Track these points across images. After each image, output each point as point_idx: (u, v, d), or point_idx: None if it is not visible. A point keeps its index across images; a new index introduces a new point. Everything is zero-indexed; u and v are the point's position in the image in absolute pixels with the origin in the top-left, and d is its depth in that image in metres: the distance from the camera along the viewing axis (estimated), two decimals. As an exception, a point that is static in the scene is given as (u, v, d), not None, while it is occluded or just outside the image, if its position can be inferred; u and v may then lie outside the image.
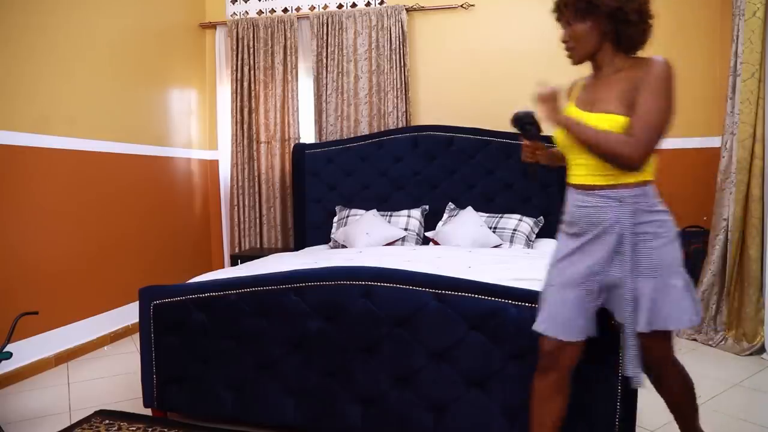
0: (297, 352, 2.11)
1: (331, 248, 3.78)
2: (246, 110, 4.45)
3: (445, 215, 3.83)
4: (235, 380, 2.20)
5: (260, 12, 4.55)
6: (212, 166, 4.75)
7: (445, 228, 3.63)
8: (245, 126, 4.47)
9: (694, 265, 3.45)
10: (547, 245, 3.54)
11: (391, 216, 3.85)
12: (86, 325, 3.36)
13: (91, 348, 3.36)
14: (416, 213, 3.85)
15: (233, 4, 4.61)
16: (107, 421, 2.33)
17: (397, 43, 4.19)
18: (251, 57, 4.43)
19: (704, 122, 3.93)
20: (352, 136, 4.31)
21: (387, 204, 4.03)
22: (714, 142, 3.80)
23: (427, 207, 3.94)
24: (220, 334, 2.20)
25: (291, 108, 4.40)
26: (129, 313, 3.69)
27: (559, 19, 1.66)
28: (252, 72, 4.44)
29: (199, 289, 2.24)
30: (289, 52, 4.37)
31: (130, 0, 3.74)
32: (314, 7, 4.45)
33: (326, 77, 4.34)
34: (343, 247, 3.69)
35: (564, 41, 1.65)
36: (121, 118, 3.66)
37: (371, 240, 3.57)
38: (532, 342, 1.83)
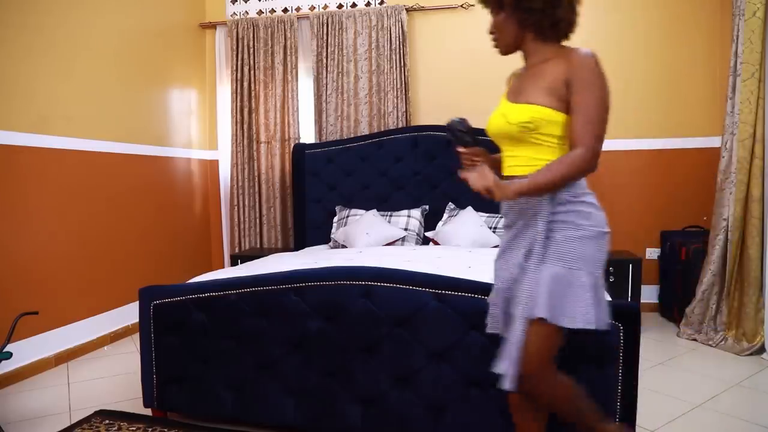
0: (297, 352, 2.11)
1: (331, 248, 3.78)
2: (246, 110, 4.45)
3: (445, 215, 3.83)
4: (235, 380, 2.20)
5: (260, 12, 4.55)
6: (212, 166, 4.75)
7: (445, 228, 3.63)
8: (245, 126, 4.47)
9: (694, 265, 3.45)
10: (547, 245, 3.54)
11: (391, 216, 3.85)
12: (86, 325, 3.36)
13: (91, 348, 3.36)
14: (416, 213, 3.85)
15: (233, 4, 4.61)
16: (107, 421, 2.33)
17: (397, 43, 4.19)
18: (251, 57, 4.43)
19: (704, 122, 3.94)
20: (352, 136, 4.31)
21: (387, 204, 4.03)
22: (714, 142, 3.81)
23: (427, 207, 3.94)
24: (220, 334, 2.20)
25: (291, 108, 4.40)
26: (129, 313, 3.69)
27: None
28: (252, 72, 4.44)
29: (199, 289, 2.24)
30: (289, 52, 4.37)
31: (130, 1, 3.74)
32: (314, 7, 4.45)
33: (326, 77, 4.34)
34: (343, 247, 3.69)
35: (490, 33, 1.64)
36: (120, 118, 3.66)
37: (371, 240, 3.57)
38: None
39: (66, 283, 3.21)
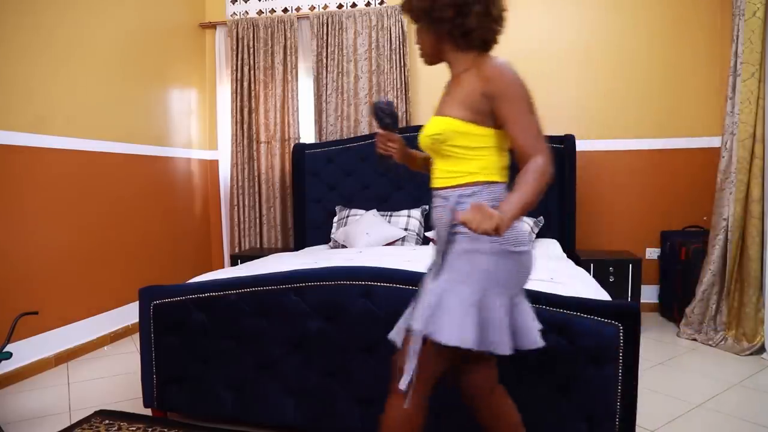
0: (297, 352, 2.11)
1: (331, 248, 3.78)
2: (246, 110, 4.45)
3: (445, 215, 3.82)
4: (235, 380, 2.19)
5: (260, 12, 4.55)
6: (212, 166, 4.75)
7: (445, 228, 3.63)
8: (245, 126, 4.47)
9: (694, 265, 3.45)
10: (547, 245, 3.55)
11: (391, 216, 3.85)
12: (86, 325, 3.35)
13: (91, 348, 3.36)
14: (416, 213, 3.85)
15: (233, 4, 4.61)
16: (107, 421, 2.32)
17: (397, 43, 4.19)
18: (251, 57, 4.43)
19: (704, 122, 3.94)
20: (352, 136, 4.31)
21: (387, 204, 4.03)
22: (714, 142, 3.81)
23: (427, 207, 3.94)
24: (220, 334, 2.20)
25: (291, 108, 4.40)
26: (129, 313, 3.69)
27: None
28: (252, 72, 4.44)
29: (199, 289, 2.24)
30: (289, 52, 4.37)
31: (131, 1, 3.73)
32: (314, 7, 4.45)
33: (326, 77, 4.34)
34: (343, 247, 3.69)
35: (416, 43, 1.61)
36: (120, 117, 3.66)
37: (371, 240, 3.57)
38: (532, 342, 1.83)
39: (65, 283, 3.21)
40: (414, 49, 4.32)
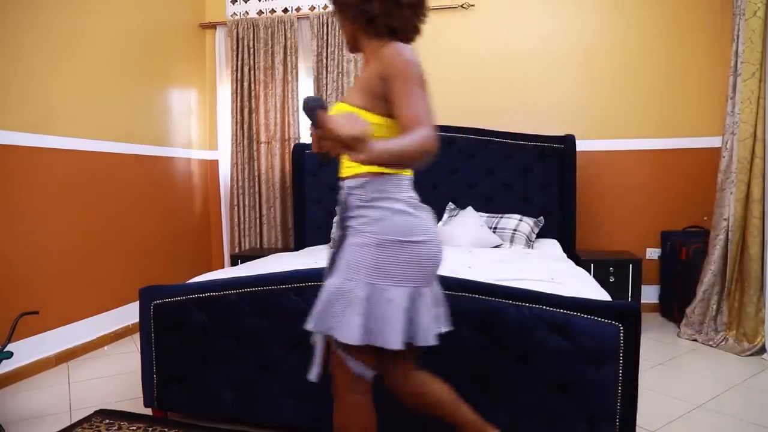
0: (297, 352, 2.11)
1: (332, 248, 3.77)
2: (246, 110, 4.45)
3: (445, 215, 3.83)
4: (235, 380, 2.19)
5: (260, 12, 4.55)
6: (212, 166, 4.75)
7: (445, 228, 3.63)
8: (245, 126, 4.47)
9: (694, 265, 3.45)
10: (548, 245, 3.55)
11: (391, 216, 3.84)
12: (86, 325, 3.36)
13: (91, 348, 3.36)
14: (416, 213, 3.84)
15: (233, 4, 4.61)
16: (107, 421, 2.32)
17: (398, 43, 4.18)
18: (251, 57, 4.43)
19: (705, 122, 3.94)
20: (353, 136, 4.30)
21: (387, 204, 4.02)
22: (715, 141, 3.81)
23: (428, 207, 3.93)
24: (220, 334, 2.20)
25: (291, 108, 4.40)
26: (129, 313, 3.69)
27: None
28: (252, 72, 4.44)
29: (199, 289, 2.24)
30: (289, 52, 4.37)
31: (131, 1, 3.74)
32: (314, 7, 4.45)
33: (326, 77, 4.34)
34: (344, 247, 3.68)
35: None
36: (120, 117, 3.66)
37: (371, 240, 3.56)
38: (532, 343, 1.83)
39: (66, 283, 3.21)
40: (414, 50, 4.32)
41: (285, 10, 4.50)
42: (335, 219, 1.55)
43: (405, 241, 1.40)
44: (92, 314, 3.41)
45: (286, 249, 4.41)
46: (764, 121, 3.11)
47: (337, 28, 4.29)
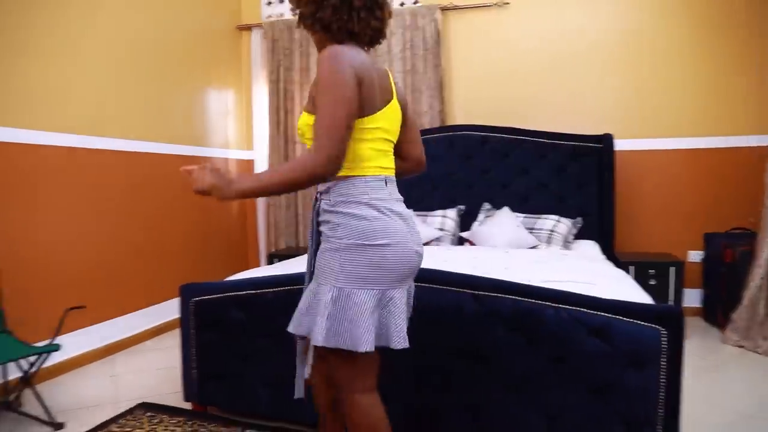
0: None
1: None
2: (282, 111, 4.51)
3: (481, 215, 3.80)
4: (270, 378, 2.22)
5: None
6: (249, 166, 4.83)
7: (481, 228, 3.60)
8: (281, 126, 4.53)
9: (740, 268, 3.34)
10: (586, 247, 3.48)
11: (426, 216, 3.84)
12: (128, 320, 3.46)
13: (134, 342, 3.47)
14: (452, 213, 3.83)
15: (268, 6, 4.67)
16: (149, 414, 2.39)
17: (432, 42, 4.18)
18: (287, 58, 4.48)
19: (749, 120, 3.81)
20: (387, 135, 4.31)
21: (422, 204, 4.03)
22: (762, 140, 3.68)
23: (462, 207, 3.91)
24: (257, 331, 2.24)
25: (326, 108, 4.43)
26: (169, 310, 3.78)
27: None
28: (287, 73, 4.49)
29: (237, 287, 2.27)
30: (324, 53, 4.40)
31: (169, 4, 3.83)
32: (350, 8, 4.46)
33: (361, 77, 4.35)
34: (378, 246, 3.69)
35: None
36: (161, 119, 3.76)
37: (406, 240, 3.56)
38: (570, 345, 1.80)
39: (111, 280, 3.31)
40: (449, 48, 4.31)
41: (321, 12, 4.53)
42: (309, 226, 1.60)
43: (367, 245, 1.40)
44: (135, 309, 3.51)
45: (320, 248, 4.44)
46: (816, 119, 2.99)
47: (372, 29, 4.30)
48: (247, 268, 4.62)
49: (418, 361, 2.01)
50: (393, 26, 4.26)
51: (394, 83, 1.57)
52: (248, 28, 4.70)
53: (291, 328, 1.51)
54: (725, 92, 3.85)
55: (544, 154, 3.87)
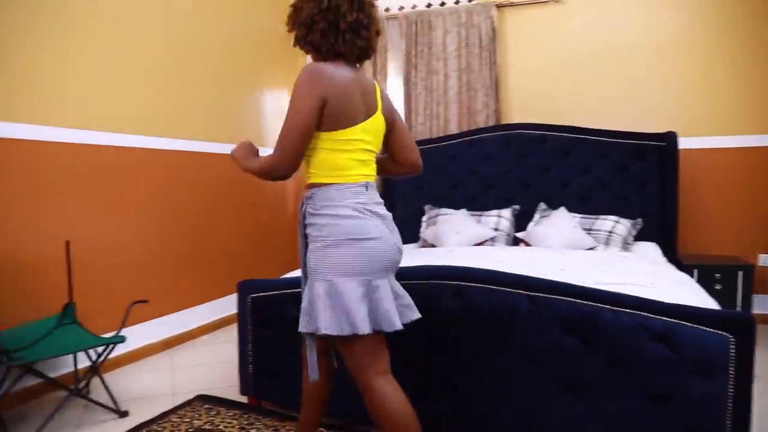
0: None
1: (420, 247, 3.78)
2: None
3: (537, 215, 3.72)
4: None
5: (351, 14, 4.63)
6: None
7: (536, 229, 3.52)
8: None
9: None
10: (646, 248, 3.35)
11: (480, 216, 3.79)
12: (188, 315, 3.59)
13: (194, 335, 3.60)
14: (506, 213, 3.77)
15: (325, 7, 4.72)
16: (207, 406, 2.47)
17: (487, 40, 4.13)
18: (342, 59, 4.52)
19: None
20: (442, 135, 4.30)
21: (476, 203, 3.98)
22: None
23: (518, 207, 3.84)
24: (311, 328, 2.26)
25: (380, 108, 4.45)
26: (226, 305, 3.90)
27: None
28: (342, 73, 4.53)
29: (293, 285, 2.31)
30: (378, 53, 4.43)
31: (229, 11, 3.95)
32: (403, 7, 4.47)
33: (415, 76, 4.35)
34: (432, 246, 3.68)
35: None
36: (219, 119, 3.88)
37: (461, 239, 3.54)
38: (631, 350, 1.74)
39: (173, 275, 3.45)
40: (504, 46, 4.25)
41: (375, 12, 4.55)
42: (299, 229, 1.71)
43: (354, 239, 1.54)
44: (195, 304, 3.64)
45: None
46: None
47: (425, 27, 4.30)
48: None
49: (471, 362, 1.99)
50: (448, 24, 4.24)
51: (382, 96, 1.71)
52: (304, 30, 4.77)
53: (300, 329, 1.59)
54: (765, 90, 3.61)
55: (605, 152, 3.74)
